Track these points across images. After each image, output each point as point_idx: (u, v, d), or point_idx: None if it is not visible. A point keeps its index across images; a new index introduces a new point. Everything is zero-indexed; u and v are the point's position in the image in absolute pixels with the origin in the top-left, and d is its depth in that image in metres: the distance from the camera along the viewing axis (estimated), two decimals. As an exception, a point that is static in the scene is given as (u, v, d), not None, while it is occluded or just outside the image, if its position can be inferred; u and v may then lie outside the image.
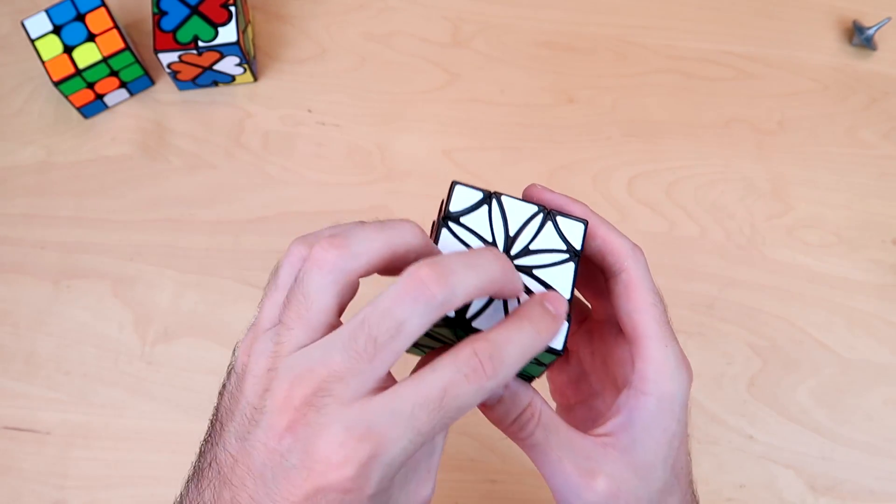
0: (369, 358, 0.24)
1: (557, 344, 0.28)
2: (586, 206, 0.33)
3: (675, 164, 0.61)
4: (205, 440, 0.28)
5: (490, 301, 0.29)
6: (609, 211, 0.59)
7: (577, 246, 0.31)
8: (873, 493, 0.53)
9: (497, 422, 0.31)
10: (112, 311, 0.55)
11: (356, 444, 0.24)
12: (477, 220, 0.30)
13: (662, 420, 0.32)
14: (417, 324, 0.25)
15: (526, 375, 0.32)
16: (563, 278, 0.30)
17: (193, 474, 0.28)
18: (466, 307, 0.29)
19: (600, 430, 0.32)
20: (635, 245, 0.33)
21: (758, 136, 0.62)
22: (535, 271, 0.30)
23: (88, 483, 0.51)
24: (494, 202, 0.30)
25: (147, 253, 0.57)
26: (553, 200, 0.32)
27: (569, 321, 0.29)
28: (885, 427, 0.54)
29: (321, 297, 0.26)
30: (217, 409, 0.28)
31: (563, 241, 0.31)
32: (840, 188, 0.61)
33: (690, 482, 0.34)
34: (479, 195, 0.30)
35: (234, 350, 0.28)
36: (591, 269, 0.34)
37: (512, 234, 0.30)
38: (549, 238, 0.30)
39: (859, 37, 0.64)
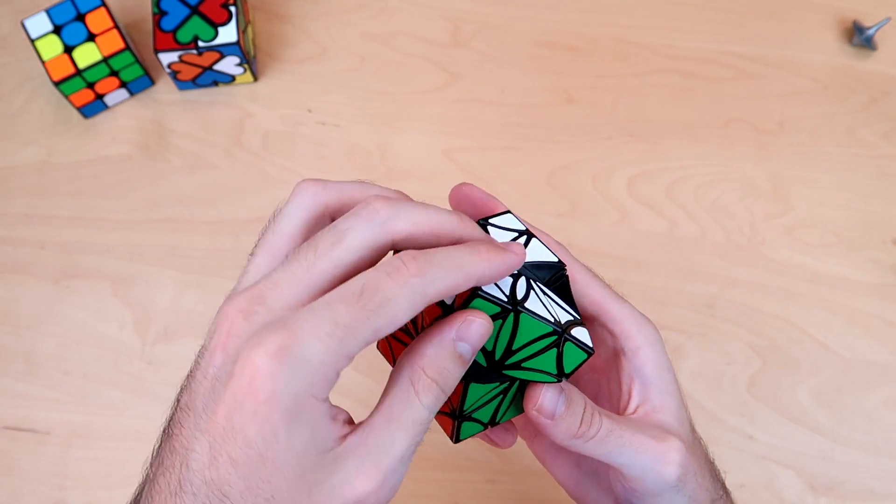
0: (308, 266, 0.24)
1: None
2: (502, 205, 0.33)
3: (675, 164, 0.61)
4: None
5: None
6: (609, 211, 0.59)
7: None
8: (873, 493, 0.53)
9: (568, 433, 0.30)
10: (112, 311, 0.55)
11: (269, 335, 0.23)
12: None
13: (663, 361, 0.33)
14: (359, 237, 0.25)
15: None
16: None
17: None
18: (495, 354, 0.28)
19: (632, 403, 0.33)
20: (557, 242, 0.34)
21: (758, 136, 0.62)
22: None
23: (88, 483, 0.51)
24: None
25: (147, 253, 0.57)
26: (478, 200, 0.33)
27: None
28: (885, 427, 0.54)
29: (288, 223, 0.28)
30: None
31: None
32: (840, 188, 0.61)
33: None
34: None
35: None
36: None
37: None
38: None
39: (859, 37, 0.64)
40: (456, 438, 0.32)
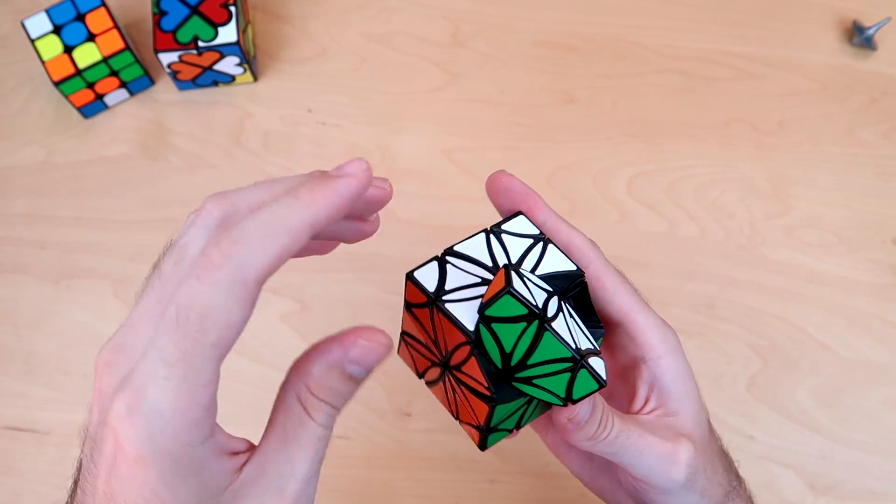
0: (157, 298, 0.23)
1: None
2: (541, 200, 0.33)
3: (675, 164, 0.61)
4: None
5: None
6: (609, 211, 0.59)
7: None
8: (873, 493, 0.53)
9: (585, 437, 0.31)
10: (112, 311, 0.55)
11: (117, 396, 0.21)
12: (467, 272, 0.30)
13: (683, 369, 0.34)
14: (198, 247, 0.23)
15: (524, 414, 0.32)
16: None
17: None
18: (512, 359, 0.28)
19: (647, 408, 0.34)
20: (591, 239, 0.34)
21: (758, 136, 0.62)
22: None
23: (88, 483, 0.51)
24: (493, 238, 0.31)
25: (147, 253, 0.57)
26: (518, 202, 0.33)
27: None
28: (885, 427, 0.54)
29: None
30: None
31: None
32: (840, 188, 0.61)
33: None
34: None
35: None
36: None
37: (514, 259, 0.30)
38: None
39: (859, 37, 0.64)
40: (483, 448, 0.32)
